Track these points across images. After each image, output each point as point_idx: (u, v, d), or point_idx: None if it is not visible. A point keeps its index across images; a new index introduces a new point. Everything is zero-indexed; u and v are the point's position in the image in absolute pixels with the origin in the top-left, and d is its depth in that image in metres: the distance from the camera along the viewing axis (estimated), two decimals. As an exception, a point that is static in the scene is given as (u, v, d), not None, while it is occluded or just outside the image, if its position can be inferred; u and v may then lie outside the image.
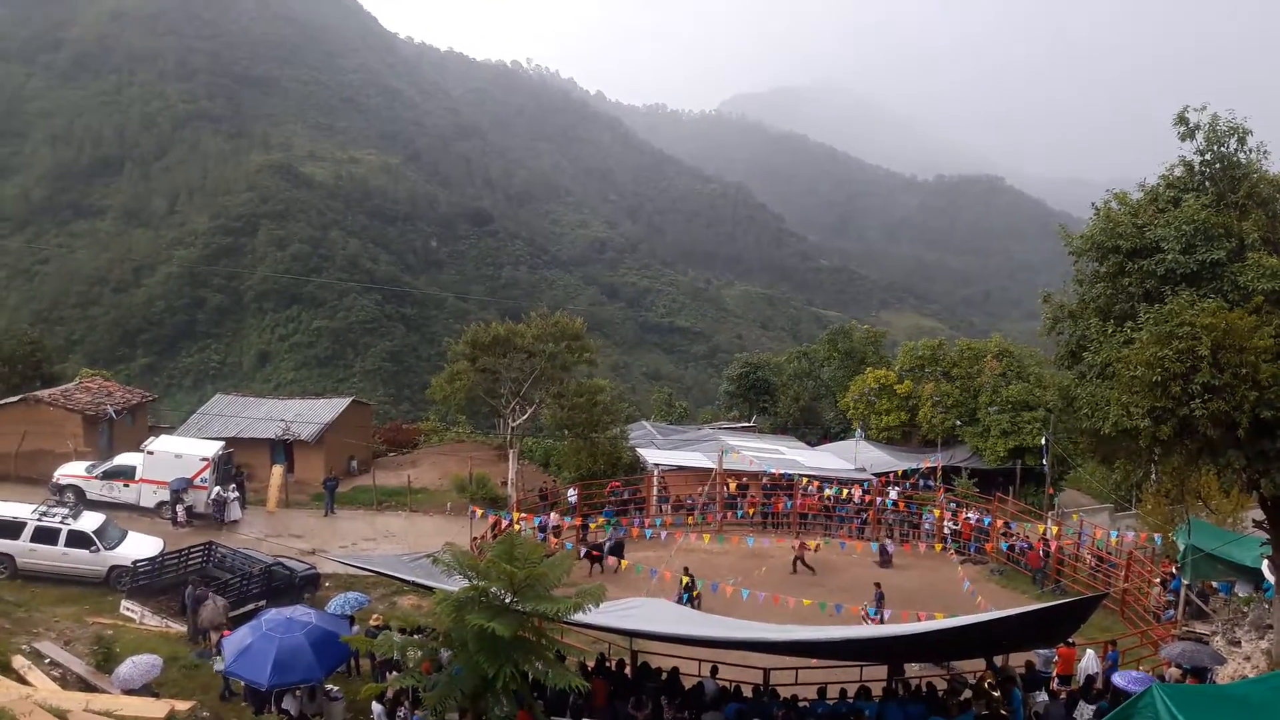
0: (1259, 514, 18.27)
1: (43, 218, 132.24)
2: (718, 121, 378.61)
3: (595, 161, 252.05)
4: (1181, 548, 23.53)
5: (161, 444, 33.72)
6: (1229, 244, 15.95)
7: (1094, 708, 16.55)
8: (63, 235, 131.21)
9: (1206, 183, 17.23)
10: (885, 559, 31.76)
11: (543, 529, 32.00)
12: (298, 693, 17.80)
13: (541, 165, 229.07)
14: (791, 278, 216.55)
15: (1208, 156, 17.09)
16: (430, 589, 16.46)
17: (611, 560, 29.99)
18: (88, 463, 33.59)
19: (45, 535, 25.58)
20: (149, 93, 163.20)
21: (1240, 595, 23.29)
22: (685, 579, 26.54)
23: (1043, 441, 40.51)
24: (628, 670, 20.38)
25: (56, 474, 32.49)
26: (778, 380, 59.35)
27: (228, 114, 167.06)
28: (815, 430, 55.79)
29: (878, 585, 27.67)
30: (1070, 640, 20.23)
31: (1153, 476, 29.41)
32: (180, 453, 32.86)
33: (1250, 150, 16.85)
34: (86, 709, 13.26)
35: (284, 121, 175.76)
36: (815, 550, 31.77)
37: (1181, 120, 16.84)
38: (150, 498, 32.21)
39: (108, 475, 32.42)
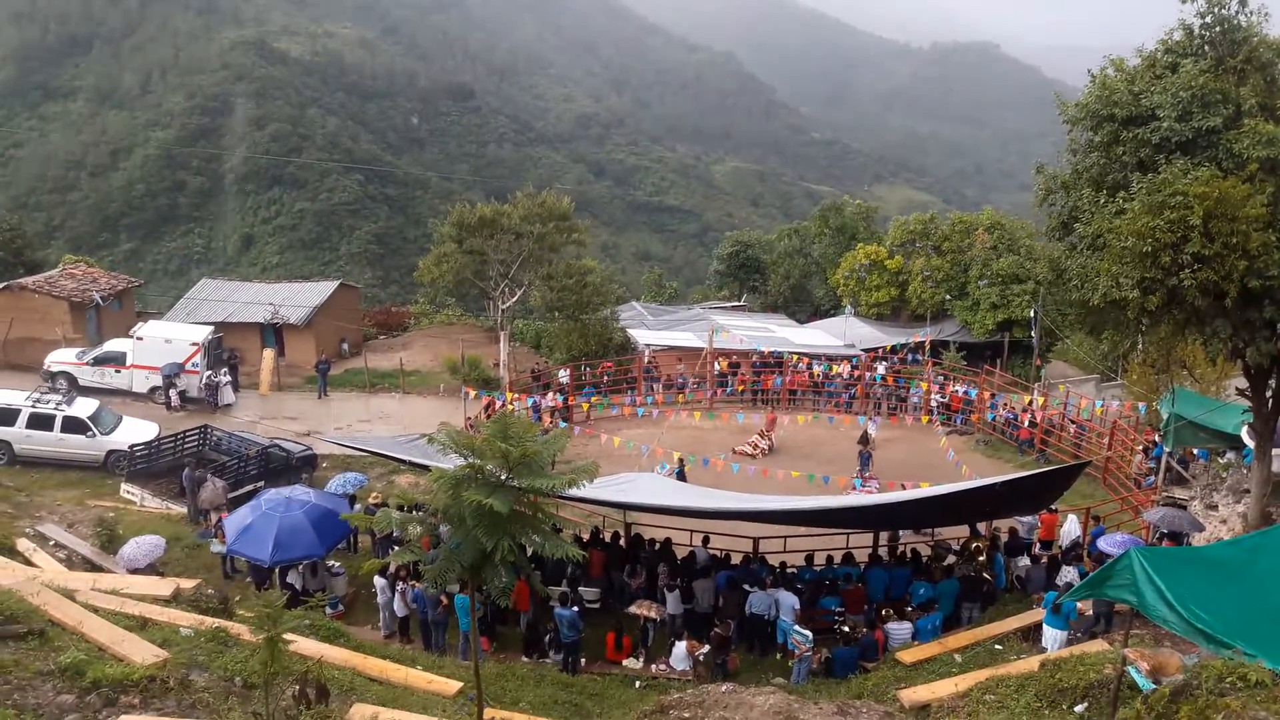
0: (1242, 382, 18.51)
1: (12, 100, 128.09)
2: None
3: (578, 32, 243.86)
4: (1165, 416, 23.95)
5: (150, 329, 33.68)
6: (1226, 110, 15.64)
7: (1075, 570, 17.11)
8: (34, 117, 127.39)
9: (1205, 47, 16.77)
10: (866, 446, 29.16)
11: (536, 409, 32.35)
12: (301, 568, 18.28)
13: (524, 36, 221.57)
14: (783, 152, 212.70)
15: (1208, 19, 16.60)
16: (427, 468, 16.71)
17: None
18: (78, 349, 33.58)
19: (40, 422, 25.80)
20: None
21: (1220, 461, 23.86)
22: (678, 457, 26.96)
23: (1031, 314, 40.73)
24: (622, 542, 20.94)
25: (47, 361, 32.52)
26: (768, 258, 59.06)
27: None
28: (805, 308, 55.87)
29: (867, 444, 28.32)
30: (1053, 507, 20.79)
31: (1139, 346, 29.68)
32: (170, 338, 32.85)
33: (1251, 13, 16.36)
34: (94, 588, 13.57)
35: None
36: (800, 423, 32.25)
37: (1183, -20, 16.33)
38: (142, 383, 32.35)
39: (98, 361, 32.47)
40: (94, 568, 17.65)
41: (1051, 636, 14.17)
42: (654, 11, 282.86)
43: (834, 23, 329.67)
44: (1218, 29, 16.49)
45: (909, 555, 20.39)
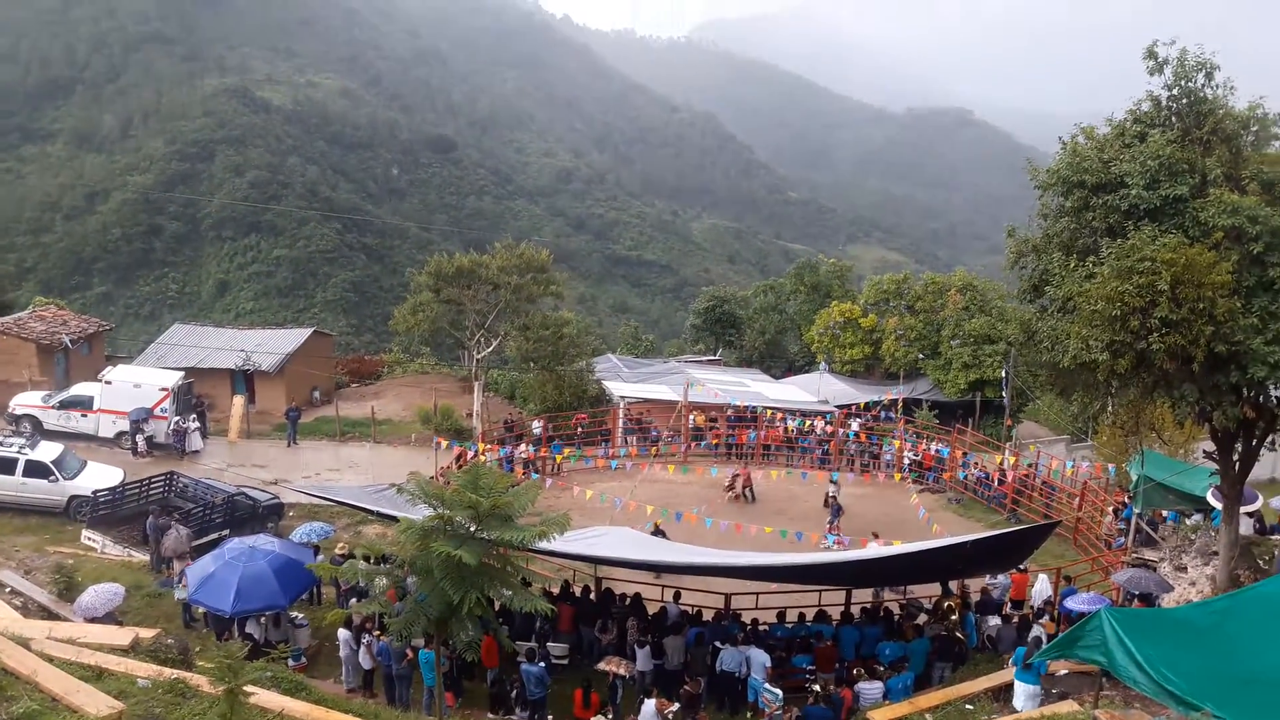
0: (1210, 445, 18.71)
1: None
2: (687, 49, 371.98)
3: (561, 89, 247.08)
4: (1134, 477, 24.13)
5: (120, 374, 33.30)
6: (1192, 180, 16.01)
7: (1045, 631, 17.06)
8: (10, 159, 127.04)
9: (1173, 118, 17.21)
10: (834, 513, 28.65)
11: (508, 460, 32.13)
12: (262, 619, 17.91)
13: (505, 91, 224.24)
14: (760, 210, 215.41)
15: (1175, 92, 17.05)
16: (395, 518, 16.52)
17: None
18: (44, 392, 33.12)
19: (2, 465, 25.33)
20: (98, 11, 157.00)
21: (1188, 523, 24.01)
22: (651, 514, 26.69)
23: (1003, 374, 41.13)
24: (592, 596, 20.70)
25: (12, 403, 32.04)
26: (744, 314, 59.47)
27: (181, 35, 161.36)
28: (780, 363, 56.15)
29: (834, 498, 28.28)
30: (1022, 566, 20.80)
31: (1109, 408, 29.98)
32: (139, 382, 32.49)
33: (1217, 86, 16.83)
34: (49, 636, 13.22)
35: (239, 44, 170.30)
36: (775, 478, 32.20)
37: (1150, 54, 16.77)
38: (109, 428, 31.90)
39: (65, 405, 32.02)
40: (51, 616, 17.20)
41: (1023, 691, 14.06)
42: (637, 71, 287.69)
43: (812, 86, 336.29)
44: (1185, 101, 16.93)
45: (881, 613, 20.29)
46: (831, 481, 29.96)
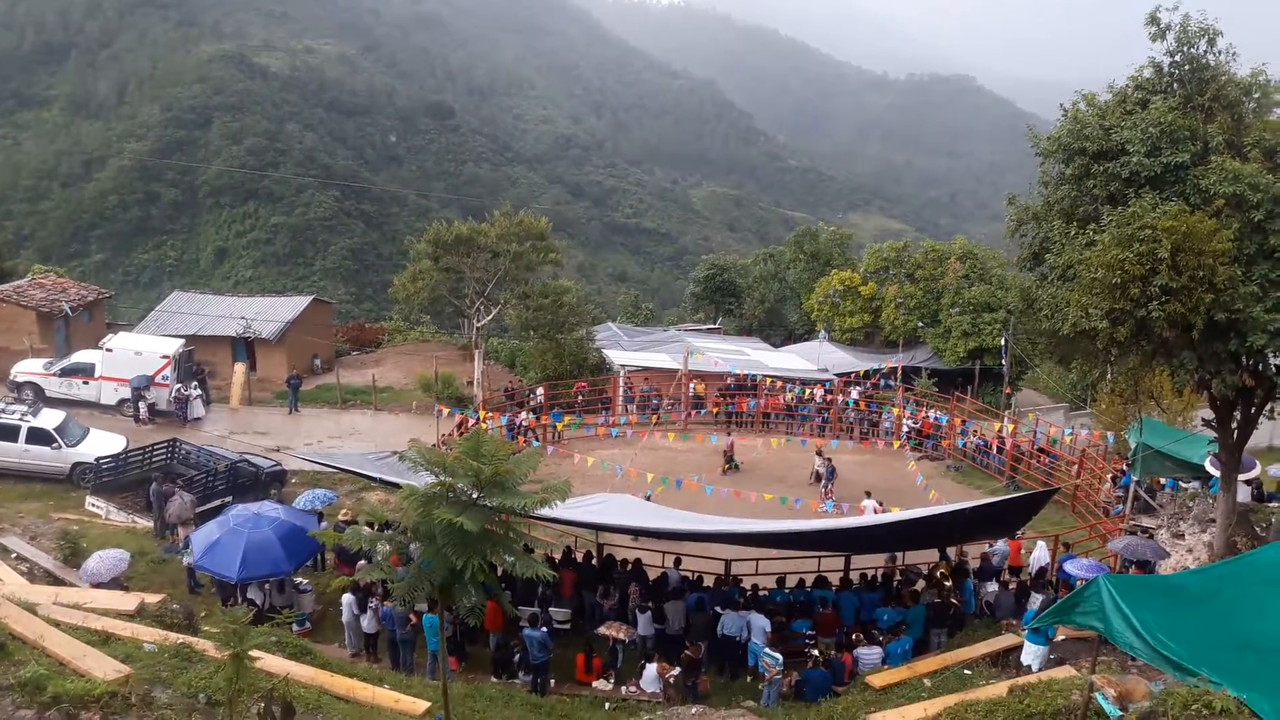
0: (1208, 413, 18.80)
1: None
2: (687, 13, 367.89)
3: (560, 54, 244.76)
4: (1133, 445, 24.24)
5: (120, 341, 33.29)
6: (1194, 147, 15.96)
7: (1043, 597, 17.24)
8: (6, 126, 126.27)
9: (1174, 85, 17.12)
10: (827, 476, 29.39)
11: (510, 428, 32.24)
12: (266, 585, 18.07)
13: (504, 57, 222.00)
14: (759, 178, 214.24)
15: (1177, 58, 16.95)
16: (397, 485, 16.61)
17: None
18: (45, 360, 33.13)
19: (5, 433, 25.39)
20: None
21: (1186, 491, 24.17)
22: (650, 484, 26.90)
23: (1002, 342, 41.17)
24: (594, 562, 20.87)
25: (13, 371, 32.06)
26: (743, 282, 59.39)
27: (176, 0, 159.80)
28: (780, 332, 56.17)
29: (829, 460, 28.61)
30: (1020, 533, 20.94)
31: (1108, 376, 30.06)
32: (140, 350, 32.49)
33: (1219, 52, 16.73)
34: (55, 602, 13.35)
35: (235, 9, 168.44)
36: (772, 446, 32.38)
37: (1153, 20, 16.65)
38: (111, 395, 31.95)
39: (66, 372, 32.05)
40: (57, 581, 17.36)
41: (1032, 652, 14.26)
42: (636, 36, 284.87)
43: (813, 53, 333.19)
44: (1187, 67, 16.84)
45: (879, 579, 20.46)
46: (818, 454, 30.36)
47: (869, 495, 25.34)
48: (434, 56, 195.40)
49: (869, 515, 23.06)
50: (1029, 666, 14.10)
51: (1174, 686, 10.04)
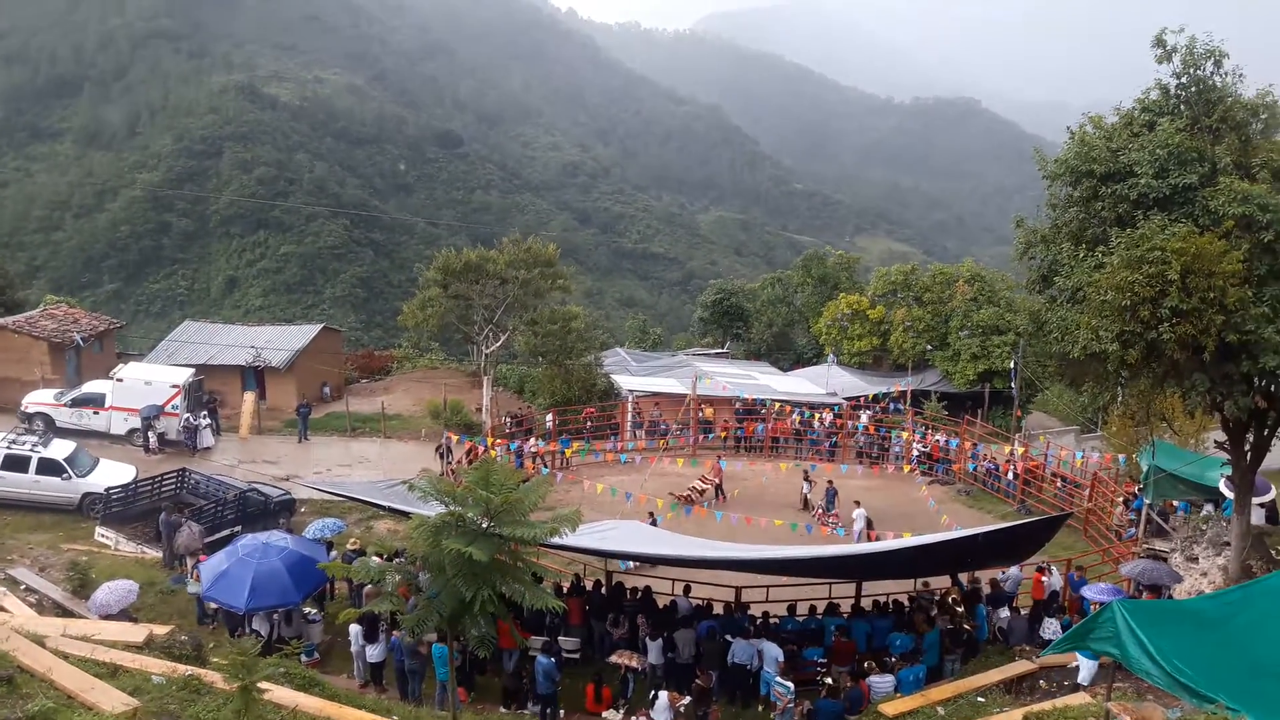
0: (1221, 435, 18.65)
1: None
2: (692, 41, 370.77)
3: (567, 82, 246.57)
4: (1145, 468, 24.05)
5: (131, 371, 33.43)
6: (1201, 168, 15.95)
7: (1058, 622, 17.05)
8: (20, 158, 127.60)
9: (1181, 106, 17.15)
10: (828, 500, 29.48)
11: (519, 454, 32.19)
12: (274, 615, 17.99)
13: (512, 85, 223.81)
14: (765, 202, 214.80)
15: (1184, 80, 16.99)
16: (407, 514, 16.55)
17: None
18: (56, 390, 33.26)
19: (16, 463, 25.44)
20: (106, 9, 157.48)
21: (1200, 514, 23.94)
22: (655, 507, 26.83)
23: (1011, 365, 41.02)
24: (603, 590, 20.74)
25: (24, 401, 32.19)
26: (751, 306, 59.42)
27: (187, 32, 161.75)
28: (788, 356, 56.10)
29: (830, 483, 28.58)
30: (1041, 564, 20.73)
31: (1119, 399, 29.90)
32: (150, 380, 32.61)
33: (1226, 73, 16.77)
34: (64, 634, 13.31)
35: (246, 41, 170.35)
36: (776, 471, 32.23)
37: (1159, 42, 16.71)
38: (121, 425, 32.03)
39: (77, 403, 32.16)
40: (65, 613, 17.32)
41: (1087, 667, 14.34)
42: (641, 64, 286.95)
43: (817, 77, 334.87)
44: (1193, 89, 16.87)
45: (891, 606, 20.27)
46: (805, 478, 30.50)
47: (857, 504, 26.84)
48: (442, 85, 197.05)
49: (868, 533, 23.28)
50: (1081, 682, 14.20)
51: (1191, 713, 9.92)
